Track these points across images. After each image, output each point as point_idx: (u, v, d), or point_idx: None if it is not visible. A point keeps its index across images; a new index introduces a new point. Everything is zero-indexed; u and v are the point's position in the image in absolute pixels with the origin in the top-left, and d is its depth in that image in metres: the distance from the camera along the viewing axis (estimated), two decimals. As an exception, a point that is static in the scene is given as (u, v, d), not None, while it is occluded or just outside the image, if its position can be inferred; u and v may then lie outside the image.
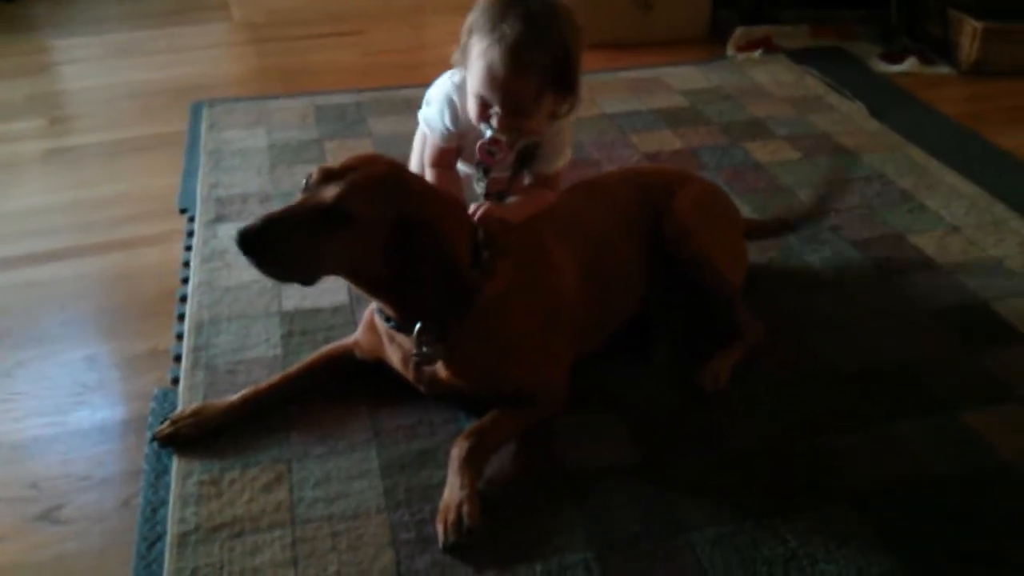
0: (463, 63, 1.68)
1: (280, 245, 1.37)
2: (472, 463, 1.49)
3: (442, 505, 1.46)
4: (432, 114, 1.79)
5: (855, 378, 1.78)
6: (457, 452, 1.51)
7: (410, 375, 1.64)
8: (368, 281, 1.51)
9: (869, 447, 1.61)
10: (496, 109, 1.63)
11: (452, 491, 1.47)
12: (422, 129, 1.88)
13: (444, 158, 1.81)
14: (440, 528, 1.43)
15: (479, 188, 1.83)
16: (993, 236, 2.22)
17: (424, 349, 1.56)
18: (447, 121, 1.76)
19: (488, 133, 1.68)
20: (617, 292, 1.81)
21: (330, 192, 1.40)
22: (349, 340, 1.77)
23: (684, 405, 1.71)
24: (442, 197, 1.58)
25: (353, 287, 1.61)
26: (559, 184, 1.85)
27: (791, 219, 2.22)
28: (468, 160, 1.83)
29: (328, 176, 1.44)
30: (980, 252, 2.16)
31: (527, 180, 1.85)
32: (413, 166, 1.94)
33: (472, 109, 1.67)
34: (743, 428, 1.66)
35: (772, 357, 1.82)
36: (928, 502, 1.51)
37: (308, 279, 1.46)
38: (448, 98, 1.75)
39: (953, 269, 2.09)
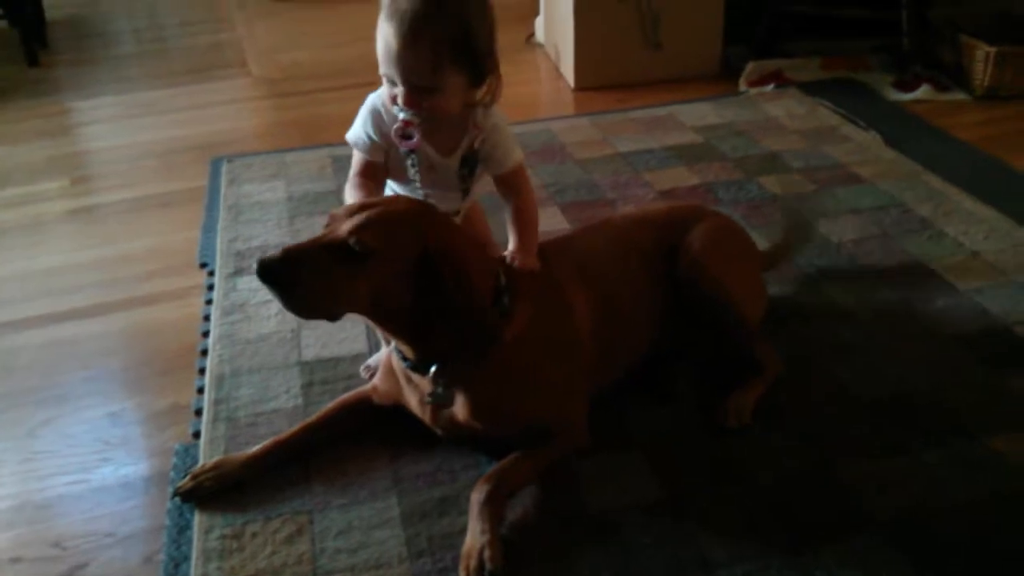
0: None
1: (298, 276, 1.39)
2: (492, 507, 1.48)
3: (464, 551, 1.45)
4: (356, 129, 1.76)
5: (880, 406, 1.75)
6: (477, 497, 1.50)
7: (427, 417, 1.64)
8: (388, 318, 1.52)
9: (896, 476, 1.59)
10: (399, 88, 1.61)
11: (473, 536, 1.45)
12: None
13: (368, 170, 1.76)
14: (463, 574, 1.41)
15: None
16: (1014, 260, 2.19)
17: (440, 390, 1.56)
18: (370, 131, 1.72)
19: (400, 116, 1.65)
20: (632, 330, 1.80)
21: (348, 226, 1.42)
22: (367, 388, 1.77)
23: (707, 441, 1.70)
24: (468, 237, 1.59)
25: (372, 326, 1.62)
26: (527, 178, 1.81)
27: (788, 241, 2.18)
28: (401, 179, 1.79)
29: (353, 212, 1.46)
30: (1002, 276, 2.14)
31: (473, 197, 1.84)
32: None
33: (385, 94, 1.66)
34: (767, 462, 1.64)
35: (795, 388, 1.81)
36: (958, 529, 1.48)
37: (329, 314, 1.47)
38: (372, 108, 1.73)
39: (975, 294, 2.07)
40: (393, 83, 1.63)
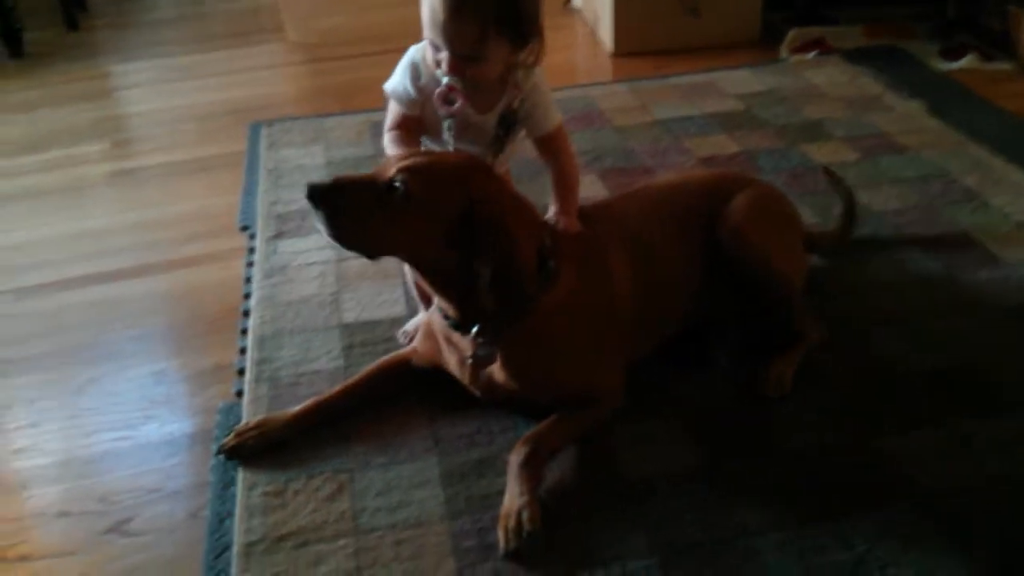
0: None
1: (342, 203, 1.44)
2: (531, 469, 1.50)
3: (503, 511, 1.46)
4: (395, 80, 1.75)
5: (921, 377, 1.74)
6: (516, 458, 1.51)
7: (466, 378, 1.66)
8: (430, 270, 1.54)
9: (935, 447, 1.58)
10: (444, 53, 1.61)
11: (512, 498, 1.47)
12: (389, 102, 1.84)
13: (405, 123, 1.76)
14: (501, 534, 1.43)
15: None
16: (1061, 232, 2.16)
17: (480, 351, 1.57)
18: (408, 85, 1.73)
19: (444, 80, 1.66)
20: (673, 297, 1.80)
21: (394, 168, 1.46)
22: (407, 350, 1.79)
23: (745, 408, 1.70)
24: (518, 198, 1.59)
25: (418, 279, 1.64)
26: (567, 140, 1.83)
27: (838, 232, 2.15)
28: (435, 136, 1.79)
29: (404, 159, 1.50)
30: (1048, 248, 2.11)
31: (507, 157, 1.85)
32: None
33: (429, 56, 1.66)
34: (806, 430, 1.64)
35: (835, 357, 1.80)
36: (998, 502, 1.47)
37: (367, 249, 1.52)
38: (412, 62, 1.73)
39: (1021, 266, 2.04)
40: (437, 48, 1.63)
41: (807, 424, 1.65)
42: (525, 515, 1.43)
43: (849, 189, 2.17)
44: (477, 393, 1.67)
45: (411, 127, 1.76)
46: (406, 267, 1.79)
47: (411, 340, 1.83)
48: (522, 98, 1.73)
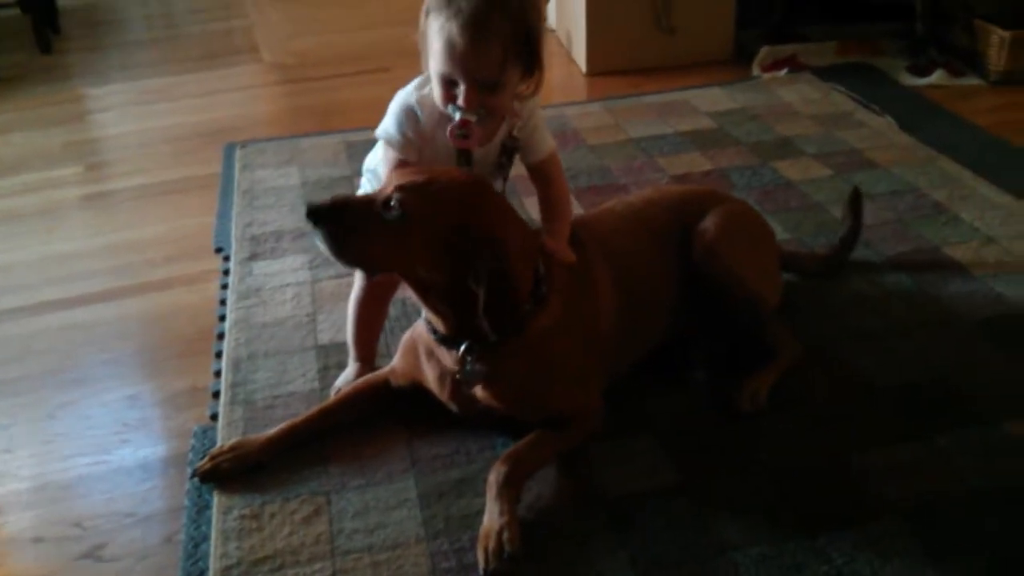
0: (423, 49, 1.64)
1: (341, 222, 1.47)
2: (510, 489, 1.49)
3: (482, 532, 1.46)
4: (388, 126, 1.70)
5: (895, 392, 1.75)
6: (494, 477, 1.51)
7: (445, 393, 1.65)
8: (425, 285, 1.53)
9: (912, 462, 1.59)
10: (461, 87, 1.57)
11: (491, 517, 1.46)
12: (378, 147, 1.81)
13: (402, 167, 1.69)
14: (480, 555, 1.42)
15: None
16: (1030, 245, 2.19)
17: (468, 368, 1.57)
18: (406, 130, 1.68)
19: (457, 116, 1.59)
20: (652, 312, 1.80)
21: (393, 187, 1.47)
22: (383, 370, 1.78)
23: (723, 425, 1.70)
24: (515, 219, 1.59)
25: (411, 294, 1.64)
26: (560, 164, 1.81)
27: (829, 256, 2.14)
28: None
29: (405, 177, 1.51)
30: (1017, 262, 2.13)
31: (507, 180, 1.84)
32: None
33: (438, 94, 1.61)
34: (783, 446, 1.64)
35: (810, 373, 1.81)
36: (974, 515, 1.48)
37: (369, 267, 1.57)
38: (406, 106, 1.68)
39: (991, 279, 2.07)
40: (450, 83, 1.58)
41: (784, 440, 1.66)
42: (505, 535, 1.42)
43: (861, 221, 2.14)
44: (455, 409, 1.67)
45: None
46: (349, 320, 1.83)
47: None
48: (521, 124, 1.72)
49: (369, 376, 1.79)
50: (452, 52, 1.54)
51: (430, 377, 1.67)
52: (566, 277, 1.65)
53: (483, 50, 1.53)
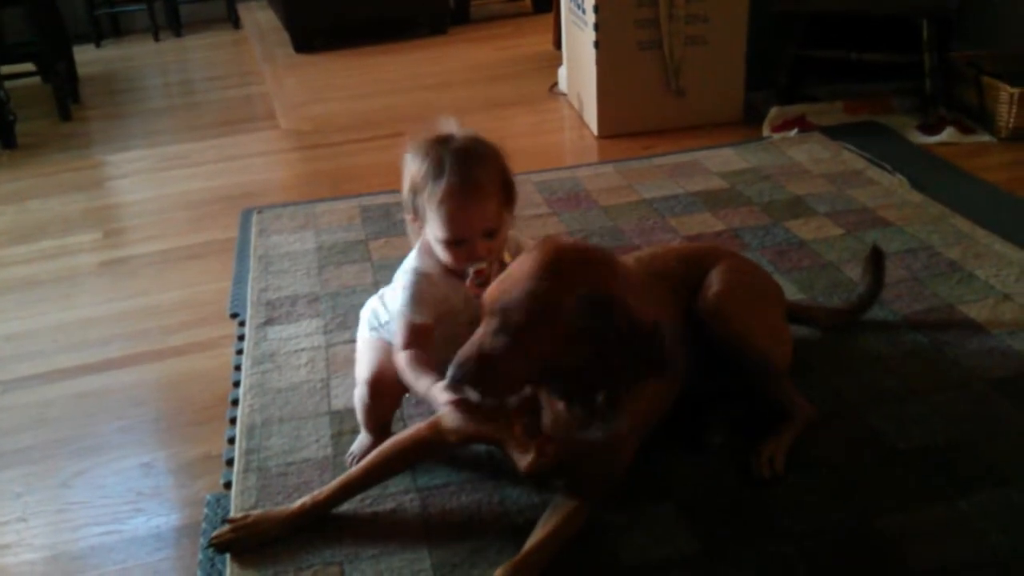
0: (418, 221, 1.71)
1: (485, 380, 1.42)
2: None
3: None
4: (406, 303, 1.72)
5: (915, 454, 1.73)
6: None
7: (527, 458, 1.58)
8: (569, 376, 1.48)
9: (933, 526, 1.56)
10: (469, 243, 1.65)
11: None
12: (389, 327, 1.82)
13: (418, 335, 1.71)
14: None
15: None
16: (1047, 303, 2.18)
17: (590, 430, 1.52)
18: (425, 297, 1.72)
19: (471, 269, 1.66)
20: (677, 369, 1.76)
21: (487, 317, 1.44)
22: (422, 430, 1.68)
23: (741, 491, 1.68)
24: (615, 274, 1.50)
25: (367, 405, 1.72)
26: None
27: (847, 310, 2.14)
28: (448, 317, 1.75)
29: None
30: (1035, 320, 2.12)
31: None
32: (361, 373, 1.85)
33: (447, 256, 1.67)
34: (803, 512, 1.62)
35: (829, 436, 1.79)
36: (999, 581, 1.45)
37: (517, 389, 1.49)
38: (415, 282, 1.72)
39: (1008, 337, 2.05)
40: (456, 243, 1.65)
41: (804, 505, 1.64)
42: None
43: (883, 279, 2.13)
44: (523, 470, 1.60)
45: (426, 336, 1.71)
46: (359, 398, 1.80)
47: (359, 460, 1.76)
48: (507, 251, 1.76)
49: (402, 439, 1.69)
50: (457, 217, 1.62)
51: (504, 435, 1.60)
52: None
53: (483, 207, 1.63)
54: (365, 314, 1.93)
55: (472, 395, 1.43)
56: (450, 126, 1.71)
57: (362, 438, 1.83)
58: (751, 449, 1.73)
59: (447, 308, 1.73)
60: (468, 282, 1.66)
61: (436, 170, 1.63)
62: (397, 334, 1.73)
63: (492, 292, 1.46)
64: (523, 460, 1.58)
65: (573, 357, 1.43)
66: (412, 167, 1.68)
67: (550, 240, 1.49)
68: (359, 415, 1.83)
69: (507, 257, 1.74)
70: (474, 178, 1.62)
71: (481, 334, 1.44)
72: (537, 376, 1.47)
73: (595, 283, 1.43)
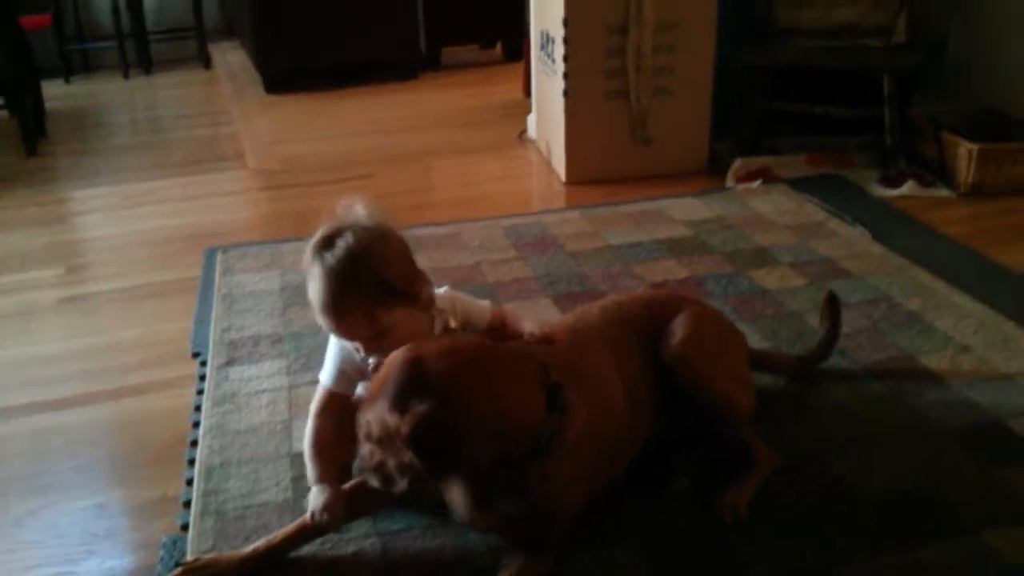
0: None
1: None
2: None
3: None
4: (327, 367, 1.78)
5: (875, 501, 1.74)
6: None
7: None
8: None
9: (894, 572, 1.57)
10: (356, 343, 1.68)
11: None
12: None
13: (332, 404, 1.76)
14: None
15: None
16: (1003, 354, 2.21)
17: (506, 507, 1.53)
18: (346, 368, 1.76)
19: (371, 361, 1.64)
20: (643, 411, 1.78)
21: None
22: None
23: (705, 536, 1.68)
24: (477, 371, 1.48)
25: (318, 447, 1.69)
26: (504, 311, 1.87)
27: (807, 357, 2.16)
28: None
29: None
30: (992, 370, 2.15)
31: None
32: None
33: (347, 344, 1.72)
34: (767, 557, 1.62)
35: (791, 483, 1.79)
36: (958, 633, 1.46)
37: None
38: (341, 349, 1.76)
39: (966, 388, 2.08)
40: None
41: (766, 551, 1.64)
42: None
43: (839, 324, 2.15)
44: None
45: (340, 407, 1.72)
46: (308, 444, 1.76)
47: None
48: (450, 317, 1.77)
49: (359, 485, 1.68)
50: (332, 329, 1.67)
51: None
52: (573, 370, 1.63)
53: (348, 324, 1.64)
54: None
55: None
56: (346, 218, 1.67)
57: (317, 495, 1.69)
58: (715, 494, 1.73)
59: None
60: (370, 372, 1.62)
61: (311, 284, 1.64)
62: (315, 400, 1.78)
63: (365, 400, 1.49)
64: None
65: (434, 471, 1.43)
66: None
67: (410, 350, 1.48)
68: (308, 453, 1.76)
69: (452, 322, 1.76)
70: (336, 300, 1.60)
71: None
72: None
73: (432, 392, 1.41)
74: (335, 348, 1.77)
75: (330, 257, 1.61)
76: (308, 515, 1.64)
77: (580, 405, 1.55)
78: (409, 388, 1.41)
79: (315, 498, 1.64)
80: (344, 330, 1.66)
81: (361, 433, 1.48)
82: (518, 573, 1.53)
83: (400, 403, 1.41)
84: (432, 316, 1.74)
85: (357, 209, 1.69)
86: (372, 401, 1.47)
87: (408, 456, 1.41)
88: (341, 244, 1.61)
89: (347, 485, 1.70)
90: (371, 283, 1.61)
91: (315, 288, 1.63)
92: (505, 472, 1.48)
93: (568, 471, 1.55)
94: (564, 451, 1.52)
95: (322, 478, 1.67)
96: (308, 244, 1.67)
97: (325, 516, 1.61)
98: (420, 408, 1.38)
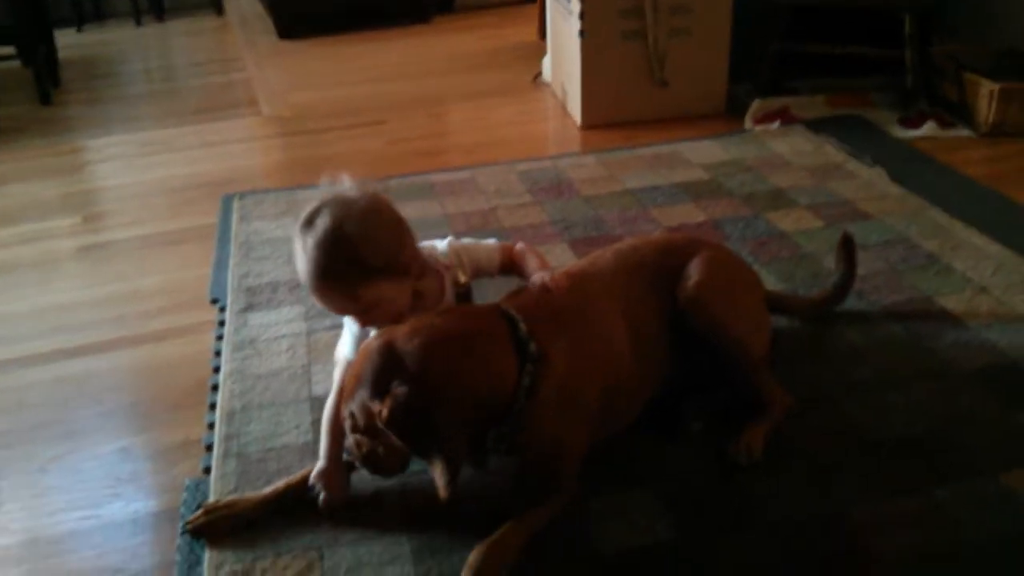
0: None
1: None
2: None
3: None
4: (343, 348, 1.76)
5: (891, 444, 1.75)
6: (474, 559, 1.47)
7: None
8: None
9: (909, 516, 1.58)
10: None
11: None
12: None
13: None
14: None
15: None
16: (1022, 295, 2.19)
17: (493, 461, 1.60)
18: (360, 336, 1.72)
19: (372, 332, 1.66)
20: (655, 358, 1.79)
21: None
22: None
23: (719, 479, 1.69)
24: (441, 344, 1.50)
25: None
26: (512, 248, 1.83)
27: (823, 300, 2.15)
28: None
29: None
30: (1010, 312, 2.14)
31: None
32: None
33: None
34: (780, 500, 1.63)
35: (806, 426, 1.80)
36: (972, 569, 1.47)
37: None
38: (355, 329, 1.74)
39: (984, 330, 2.07)
40: None
41: (782, 494, 1.65)
42: None
43: (855, 266, 2.14)
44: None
45: None
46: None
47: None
48: (460, 267, 1.76)
49: None
50: (325, 304, 1.67)
51: None
52: (567, 316, 1.64)
53: (333, 302, 1.64)
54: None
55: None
56: (328, 195, 1.66)
57: (319, 464, 1.71)
58: (729, 437, 1.74)
59: None
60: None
61: (300, 261, 1.62)
62: (335, 372, 1.76)
63: (346, 393, 1.53)
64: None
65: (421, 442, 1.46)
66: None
67: (381, 337, 1.52)
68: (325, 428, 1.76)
69: (461, 276, 1.76)
70: (316, 281, 1.60)
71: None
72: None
73: (407, 373, 1.45)
74: (351, 329, 1.75)
75: (310, 239, 1.59)
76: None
77: (558, 354, 1.57)
78: (384, 373, 1.45)
79: (316, 470, 1.68)
80: (332, 308, 1.67)
81: (347, 426, 1.53)
82: (530, 516, 1.56)
83: (378, 388, 1.45)
84: (441, 276, 1.74)
85: (343, 182, 1.68)
86: (352, 392, 1.50)
87: (393, 439, 1.45)
88: (319, 224, 1.60)
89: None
90: (348, 263, 1.59)
91: (299, 268, 1.63)
92: (493, 432, 1.53)
93: (560, 418, 1.57)
94: (548, 400, 1.54)
95: (329, 455, 1.68)
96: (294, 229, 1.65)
97: (319, 487, 1.65)
98: (398, 389, 1.43)
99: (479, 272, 1.80)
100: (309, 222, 1.61)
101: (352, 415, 1.50)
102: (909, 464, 1.70)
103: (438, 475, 1.44)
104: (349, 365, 1.71)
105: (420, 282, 1.69)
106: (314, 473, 1.67)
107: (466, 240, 1.84)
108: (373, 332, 1.65)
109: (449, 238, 1.81)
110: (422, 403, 1.42)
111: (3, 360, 2.26)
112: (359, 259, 1.59)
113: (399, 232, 1.68)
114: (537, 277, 1.74)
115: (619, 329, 1.73)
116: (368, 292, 1.61)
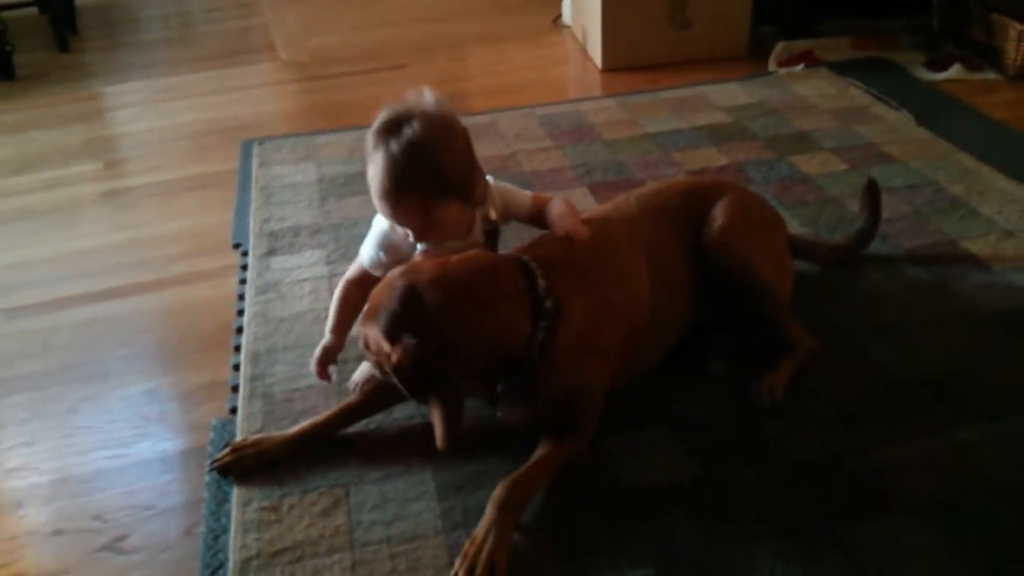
0: None
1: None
2: (509, 513, 1.47)
3: (469, 544, 1.43)
4: (368, 249, 1.79)
5: (914, 386, 1.75)
6: (497, 498, 1.48)
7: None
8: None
9: (931, 456, 1.59)
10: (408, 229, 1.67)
11: (484, 536, 1.43)
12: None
13: (363, 280, 1.79)
14: (461, 568, 1.40)
15: None
16: (1050, 239, 2.18)
17: (506, 407, 1.62)
18: (382, 254, 1.77)
19: (419, 248, 1.68)
20: (679, 301, 1.79)
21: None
22: None
23: (741, 419, 1.70)
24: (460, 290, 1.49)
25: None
26: (542, 197, 1.83)
27: (847, 246, 2.14)
28: None
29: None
30: (1036, 255, 2.12)
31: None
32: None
33: (397, 228, 1.70)
34: (802, 440, 1.64)
35: (829, 367, 1.80)
36: (994, 509, 1.48)
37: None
38: (382, 233, 1.76)
39: (1009, 273, 2.06)
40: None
41: (804, 434, 1.66)
42: (498, 566, 1.40)
43: (880, 210, 2.12)
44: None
45: (368, 284, 1.71)
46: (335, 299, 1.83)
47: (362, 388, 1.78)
48: (492, 206, 1.77)
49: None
50: (388, 214, 1.67)
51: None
52: (590, 264, 1.64)
53: (405, 207, 1.63)
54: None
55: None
56: (413, 104, 1.64)
57: (363, 367, 1.83)
58: (752, 378, 1.74)
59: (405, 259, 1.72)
60: (418, 255, 1.67)
61: (371, 167, 1.62)
62: (352, 267, 1.83)
63: (366, 314, 1.53)
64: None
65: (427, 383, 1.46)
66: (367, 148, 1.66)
67: (406, 276, 1.49)
68: (333, 305, 1.85)
69: (492, 213, 1.77)
70: (395, 188, 1.59)
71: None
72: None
73: (422, 325, 1.44)
74: (378, 231, 1.78)
75: (395, 144, 1.59)
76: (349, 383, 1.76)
77: (576, 308, 1.56)
78: (401, 319, 1.44)
79: (318, 347, 1.78)
80: (399, 217, 1.65)
81: (360, 342, 1.54)
82: (552, 453, 1.57)
83: (392, 332, 1.44)
84: (461, 227, 1.74)
85: (425, 96, 1.66)
86: (370, 318, 1.50)
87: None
88: (407, 132, 1.59)
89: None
90: (431, 176, 1.59)
91: (375, 173, 1.62)
92: (504, 382, 1.55)
93: (579, 367, 1.57)
94: (564, 353, 1.54)
95: (335, 329, 1.80)
96: (373, 125, 1.64)
97: (319, 353, 1.78)
98: (409, 342, 1.42)
99: (508, 214, 1.81)
100: (394, 129, 1.60)
101: (367, 337, 1.50)
102: (932, 406, 1.70)
103: (438, 425, 1.46)
104: (362, 269, 1.80)
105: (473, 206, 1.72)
106: (358, 375, 1.78)
107: (504, 183, 1.84)
108: (420, 248, 1.67)
109: (489, 176, 1.80)
110: (430, 358, 1.42)
111: (30, 304, 2.28)
112: (440, 174, 1.60)
113: (473, 156, 1.70)
114: (560, 226, 1.72)
115: (642, 276, 1.72)
116: (439, 209, 1.63)
